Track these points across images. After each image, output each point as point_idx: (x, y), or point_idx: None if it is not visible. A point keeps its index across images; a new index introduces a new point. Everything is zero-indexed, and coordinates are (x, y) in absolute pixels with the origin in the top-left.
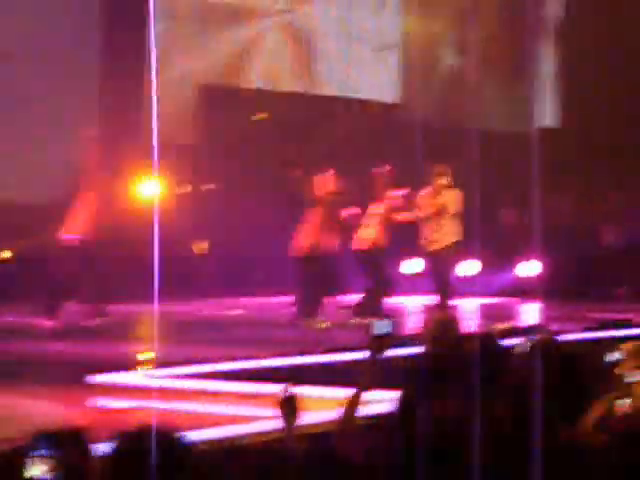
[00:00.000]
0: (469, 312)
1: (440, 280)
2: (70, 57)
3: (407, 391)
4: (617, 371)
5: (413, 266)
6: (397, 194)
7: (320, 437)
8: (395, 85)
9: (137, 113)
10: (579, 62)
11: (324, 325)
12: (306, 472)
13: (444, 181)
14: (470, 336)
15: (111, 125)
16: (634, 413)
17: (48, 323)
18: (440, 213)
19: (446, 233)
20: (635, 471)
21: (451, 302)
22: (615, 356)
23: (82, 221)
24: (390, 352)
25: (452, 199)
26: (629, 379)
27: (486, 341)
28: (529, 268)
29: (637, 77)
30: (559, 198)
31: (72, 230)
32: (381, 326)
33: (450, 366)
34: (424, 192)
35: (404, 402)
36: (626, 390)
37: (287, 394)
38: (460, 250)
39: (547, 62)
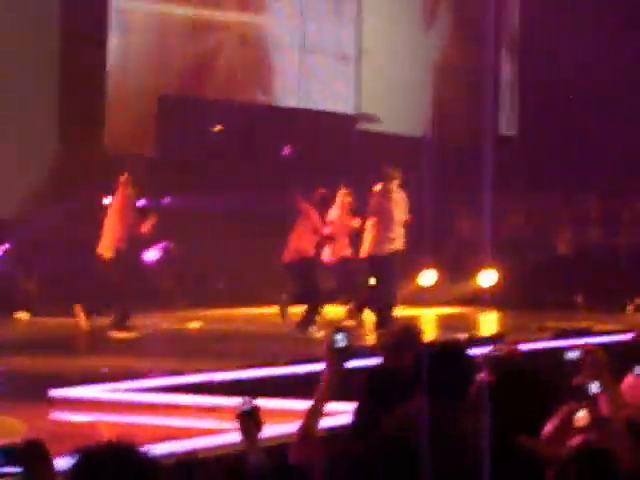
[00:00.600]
0: (427, 322)
1: (384, 288)
2: (29, 68)
3: (364, 403)
4: (576, 381)
5: None
6: (345, 192)
7: (280, 450)
8: (352, 96)
9: (97, 126)
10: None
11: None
12: None
13: (394, 184)
14: (436, 345)
15: (72, 139)
16: (592, 424)
17: None
18: (386, 215)
19: (391, 239)
20: None
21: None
22: (574, 354)
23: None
24: (348, 364)
25: (400, 203)
26: (589, 390)
27: (454, 350)
28: (486, 277)
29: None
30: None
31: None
32: (338, 339)
33: (412, 376)
34: (374, 190)
35: (361, 414)
36: (585, 401)
37: (248, 407)
38: (401, 259)
39: (504, 72)
